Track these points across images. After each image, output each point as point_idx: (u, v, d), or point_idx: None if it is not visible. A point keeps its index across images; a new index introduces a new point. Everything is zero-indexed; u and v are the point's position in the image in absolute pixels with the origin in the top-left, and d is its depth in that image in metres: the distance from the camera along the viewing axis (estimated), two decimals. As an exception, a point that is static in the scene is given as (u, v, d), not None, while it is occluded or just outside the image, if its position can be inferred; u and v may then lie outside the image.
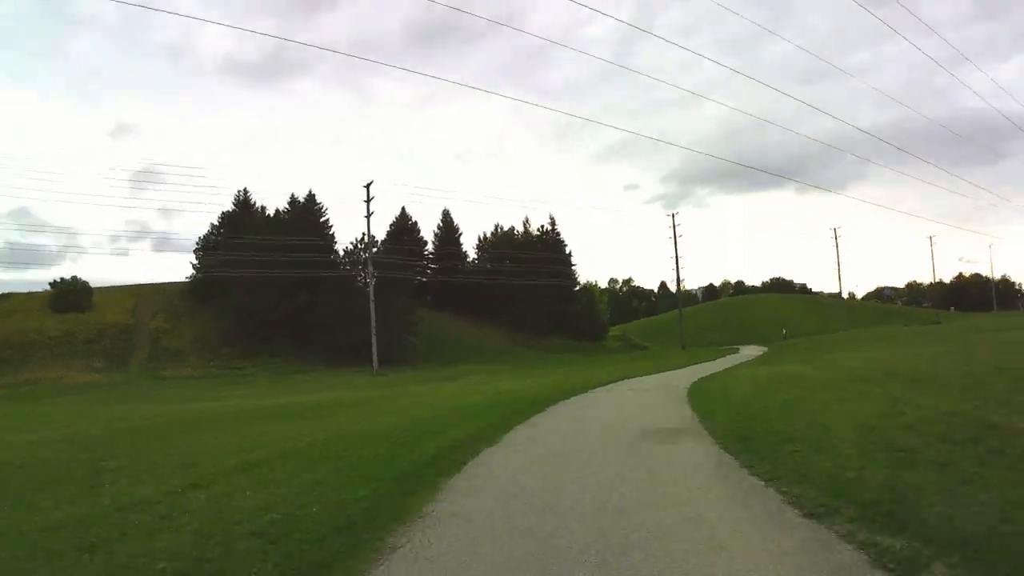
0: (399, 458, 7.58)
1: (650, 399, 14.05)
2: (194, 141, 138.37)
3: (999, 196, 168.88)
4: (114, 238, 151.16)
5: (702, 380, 18.32)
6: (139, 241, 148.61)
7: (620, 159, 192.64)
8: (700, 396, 13.32)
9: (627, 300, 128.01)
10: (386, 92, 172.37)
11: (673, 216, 70.60)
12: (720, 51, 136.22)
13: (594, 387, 18.02)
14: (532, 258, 63.30)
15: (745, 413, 9.72)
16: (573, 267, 71.46)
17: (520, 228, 71.54)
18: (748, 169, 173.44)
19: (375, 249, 55.76)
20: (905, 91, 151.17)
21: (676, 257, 69.83)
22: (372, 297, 48.02)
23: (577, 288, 72.23)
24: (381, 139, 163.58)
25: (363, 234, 52.73)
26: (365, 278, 51.73)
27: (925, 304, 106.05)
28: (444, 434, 9.34)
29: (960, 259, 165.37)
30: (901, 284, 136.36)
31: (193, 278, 56.16)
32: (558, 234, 71.68)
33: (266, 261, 47.54)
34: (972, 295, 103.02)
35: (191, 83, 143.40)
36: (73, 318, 47.37)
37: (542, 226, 71.90)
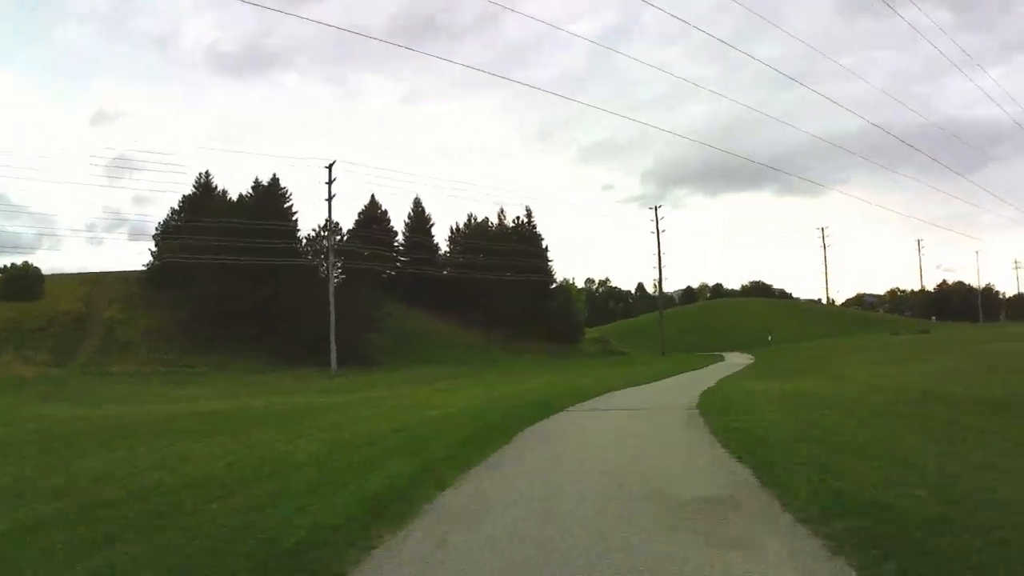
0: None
1: (655, 428, 10.57)
2: (172, 129, 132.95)
3: (990, 196, 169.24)
4: (89, 226, 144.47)
5: (707, 396, 15.07)
6: (112, 229, 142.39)
7: (599, 159, 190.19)
8: (723, 424, 9.83)
9: (604, 301, 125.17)
10: (369, 86, 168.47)
11: (656, 209, 67.94)
12: (705, 53, 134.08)
13: (574, 403, 14.59)
14: (507, 250, 59.89)
15: (834, 468, 6.35)
16: (550, 262, 68.03)
17: (495, 220, 68.14)
18: (726, 170, 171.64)
19: (339, 238, 52.21)
20: (888, 97, 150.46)
21: (659, 252, 67.22)
22: (332, 288, 44.45)
23: (554, 286, 68.94)
24: (361, 132, 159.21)
25: (326, 220, 49.09)
26: (327, 268, 48.05)
27: (907, 312, 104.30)
28: (331, 497, 5.95)
29: (938, 267, 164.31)
30: (881, 291, 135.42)
31: (151, 265, 52.04)
32: (534, 226, 68.12)
33: (225, 247, 43.75)
34: (955, 304, 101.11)
35: (173, 71, 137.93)
36: (21, 306, 43.25)
37: (517, 217, 68.27)
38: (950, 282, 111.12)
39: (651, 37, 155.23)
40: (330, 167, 46.19)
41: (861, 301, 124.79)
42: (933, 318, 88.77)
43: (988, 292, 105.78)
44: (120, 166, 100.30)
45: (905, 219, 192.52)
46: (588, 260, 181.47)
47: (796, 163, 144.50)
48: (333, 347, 42.34)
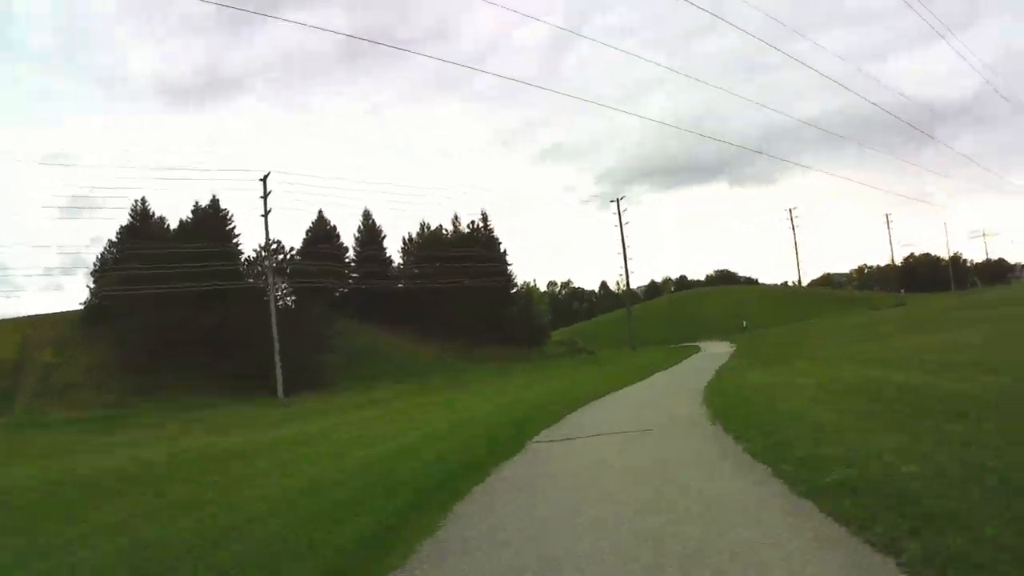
0: None
1: (673, 473, 6.75)
2: (121, 162, 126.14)
3: (944, 169, 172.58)
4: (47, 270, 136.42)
5: (718, 399, 11.73)
6: (71, 271, 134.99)
7: (556, 162, 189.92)
8: (782, 460, 6.22)
9: (567, 303, 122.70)
10: (322, 100, 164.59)
11: (618, 201, 65.37)
12: (658, 45, 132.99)
13: (540, 431, 10.77)
14: (464, 256, 56.71)
15: None
16: (509, 266, 64.58)
17: (449, 227, 64.76)
18: (680, 166, 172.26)
19: (281, 256, 48.55)
20: (839, 80, 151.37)
21: (623, 246, 64.63)
22: (273, 309, 40.76)
23: (514, 290, 65.73)
24: (310, 146, 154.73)
25: (267, 239, 45.23)
26: (269, 288, 44.29)
27: (876, 287, 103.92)
28: None
29: (898, 243, 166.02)
30: (846, 269, 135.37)
31: (88, 302, 48.13)
32: (491, 231, 64.81)
33: (165, 275, 40.33)
34: (922, 276, 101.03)
35: (119, 104, 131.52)
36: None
37: (473, 222, 64.88)
38: (919, 254, 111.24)
39: (602, 34, 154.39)
40: (264, 179, 42.54)
41: (829, 281, 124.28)
42: (902, 291, 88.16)
43: (954, 261, 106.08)
44: (75, 204, 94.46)
45: (864, 197, 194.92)
46: (550, 263, 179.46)
47: (749, 153, 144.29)
48: (279, 374, 38.73)
